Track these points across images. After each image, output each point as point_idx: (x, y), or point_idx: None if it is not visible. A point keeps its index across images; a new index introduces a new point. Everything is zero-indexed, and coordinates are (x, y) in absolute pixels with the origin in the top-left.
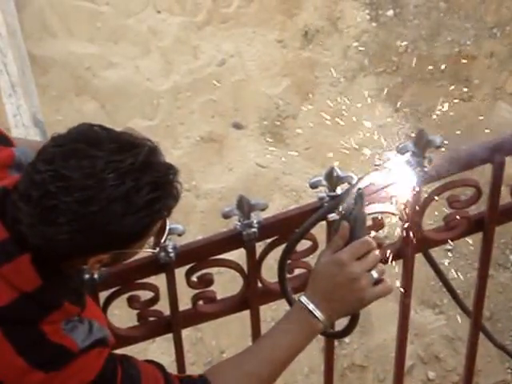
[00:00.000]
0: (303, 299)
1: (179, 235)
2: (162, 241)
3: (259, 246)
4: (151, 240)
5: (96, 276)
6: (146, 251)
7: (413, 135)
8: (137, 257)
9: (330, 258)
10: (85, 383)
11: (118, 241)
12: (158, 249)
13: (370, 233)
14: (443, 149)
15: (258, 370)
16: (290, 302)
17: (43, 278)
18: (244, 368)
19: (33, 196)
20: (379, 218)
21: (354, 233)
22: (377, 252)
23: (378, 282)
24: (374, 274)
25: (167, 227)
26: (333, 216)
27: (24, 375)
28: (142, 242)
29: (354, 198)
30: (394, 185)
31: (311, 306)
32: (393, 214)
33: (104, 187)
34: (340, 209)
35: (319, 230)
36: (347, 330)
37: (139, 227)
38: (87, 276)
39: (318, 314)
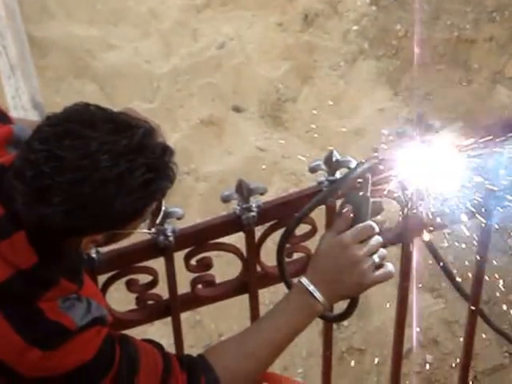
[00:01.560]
0: (304, 280)
1: (178, 219)
2: (157, 222)
3: (258, 230)
4: (147, 221)
5: (95, 255)
6: (140, 232)
7: (412, 119)
8: (132, 237)
9: (332, 240)
10: (83, 362)
11: (112, 222)
12: (153, 229)
13: (373, 217)
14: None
15: (258, 351)
16: (289, 286)
17: (39, 255)
18: (243, 348)
19: (27, 175)
20: (379, 202)
21: (358, 216)
22: (379, 236)
23: (379, 266)
24: (376, 258)
25: (162, 208)
26: (332, 200)
27: (22, 353)
28: (136, 222)
29: (359, 182)
30: (393, 169)
31: (311, 288)
32: (393, 198)
33: (98, 168)
34: (343, 192)
35: (318, 215)
36: (346, 314)
37: (133, 208)
38: (86, 256)
39: (317, 295)
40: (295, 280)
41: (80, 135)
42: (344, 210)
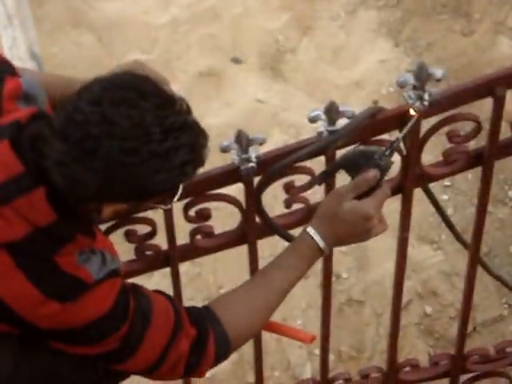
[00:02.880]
0: (322, 244)
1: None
2: (175, 199)
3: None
4: None
5: None
6: (158, 207)
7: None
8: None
9: (358, 209)
10: (100, 314)
11: (144, 194)
12: (170, 205)
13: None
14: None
15: (267, 303)
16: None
17: (57, 213)
18: (252, 301)
19: (71, 135)
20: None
21: (379, 181)
22: (388, 190)
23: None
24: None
25: (181, 187)
26: (332, 150)
27: (39, 306)
28: (159, 198)
29: (388, 150)
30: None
31: (326, 250)
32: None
33: (150, 141)
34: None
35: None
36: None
37: (168, 186)
38: None
39: (323, 246)
40: (292, 231)
41: (136, 105)
42: (369, 174)
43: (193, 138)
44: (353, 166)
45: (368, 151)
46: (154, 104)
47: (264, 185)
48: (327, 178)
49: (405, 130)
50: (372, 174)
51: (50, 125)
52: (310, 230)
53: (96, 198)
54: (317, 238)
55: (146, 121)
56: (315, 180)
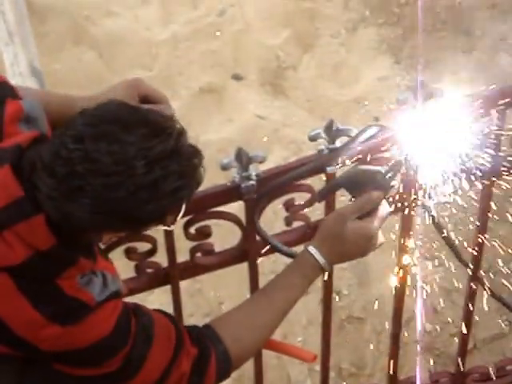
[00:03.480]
0: (324, 264)
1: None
2: (178, 219)
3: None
4: None
5: None
6: (160, 228)
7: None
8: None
9: (363, 229)
10: (102, 336)
11: (138, 223)
12: (172, 226)
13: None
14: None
15: (268, 322)
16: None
17: (57, 238)
18: (254, 320)
19: (58, 171)
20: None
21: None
22: (388, 207)
23: None
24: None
25: (183, 207)
26: (332, 168)
27: (41, 328)
28: (159, 224)
29: (391, 169)
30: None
31: (328, 269)
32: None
33: (133, 174)
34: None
35: (318, 184)
36: None
37: (161, 213)
38: None
39: (325, 266)
40: (294, 248)
41: (117, 139)
42: (375, 196)
43: (183, 164)
44: (354, 184)
45: (370, 171)
46: (138, 135)
47: (262, 203)
48: (327, 196)
49: (405, 155)
50: (376, 195)
51: (40, 157)
52: (312, 249)
53: (90, 229)
54: (318, 256)
55: (128, 155)
56: (315, 198)
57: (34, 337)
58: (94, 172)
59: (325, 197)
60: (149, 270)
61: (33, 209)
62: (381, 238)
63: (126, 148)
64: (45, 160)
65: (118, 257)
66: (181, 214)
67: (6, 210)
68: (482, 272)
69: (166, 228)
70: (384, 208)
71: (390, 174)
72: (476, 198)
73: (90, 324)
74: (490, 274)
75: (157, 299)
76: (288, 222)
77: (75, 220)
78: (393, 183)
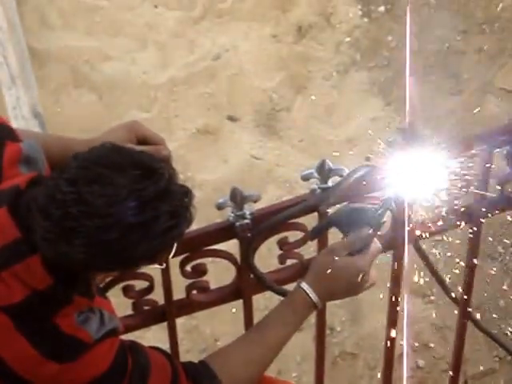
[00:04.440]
0: (316, 299)
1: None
2: (170, 257)
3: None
4: None
5: None
6: (153, 267)
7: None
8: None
9: (353, 265)
10: (99, 373)
11: (131, 263)
12: (164, 265)
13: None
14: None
15: (262, 358)
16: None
17: (54, 277)
18: (248, 356)
19: (52, 214)
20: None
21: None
22: (379, 245)
23: None
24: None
25: (174, 246)
26: (323, 208)
27: (38, 366)
28: (152, 262)
29: (382, 207)
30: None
31: (320, 305)
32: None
33: (125, 216)
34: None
35: (312, 222)
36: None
37: (153, 252)
38: None
39: (318, 302)
40: (287, 286)
41: (109, 182)
42: (365, 235)
43: (174, 204)
44: (345, 222)
45: (360, 209)
46: (130, 177)
47: (256, 242)
48: (320, 234)
49: (395, 192)
50: (366, 232)
51: (35, 200)
52: (304, 286)
53: (85, 269)
54: (311, 293)
55: (120, 197)
56: (308, 236)
57: (31, 374)
58: (87, 214)
59: (317, 235)
60: (146, 308)
61: (29, 250)
62: (373, 278)
63: (118, 190)
64: (39, 202)
65: (115, 294)
66: (172, 253)
67: (3, 251)
68: (472, 308)
69: (157, 267)
70: (375, 246)
71: (380, 211)
72: (466, 236)
73: (87, 361)
74: (479, 312)
75: (154, 336)
76: (282, 260)
77: (70, 260)
78: (383, 221)
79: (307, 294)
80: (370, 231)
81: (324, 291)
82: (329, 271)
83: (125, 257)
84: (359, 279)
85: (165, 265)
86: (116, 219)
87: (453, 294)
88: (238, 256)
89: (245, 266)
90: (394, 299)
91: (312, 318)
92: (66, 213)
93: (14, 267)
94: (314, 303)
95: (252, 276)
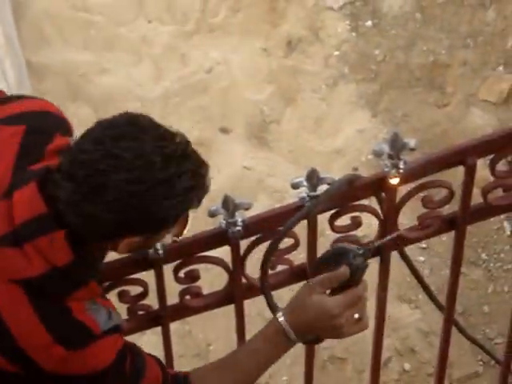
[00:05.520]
0: (287, 329)
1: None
2: (185, 232)
3: (244, 244)
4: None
5: None
6: (171, 239)
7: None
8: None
9: (323, 303)
10: (102, 366)
11: (154, 224)
12: (180, 238)
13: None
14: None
15: (235, 381)
16: (273, 309)
17: (75, 255)
18: (223, 376)
19: (78, 174)
20: (357, 216)
21: (351, 279)
22: (365, 300)
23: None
24: (356, 315)
25: (189, 219)
26: (313, 216)
27: (47, 348)
28: (169, 229)
29: (361, 249)
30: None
31: (292, 337)
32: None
33: (152, 168)
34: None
35: (302, 229)
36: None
37: (174, 213)
38: None
39: (293, 337)
40: (278, 291)
41: (135, 137)
42: (340, 270)
43: (194, 164)
44: (330, 261)
45: (344, 249)
46: (152, 136)
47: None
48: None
49: (384, 240)
50: (341, 271)
51: (58, 169)
52: (280, 317)
53: (111, 233)
54: (282, 322)
55: (146, 151)
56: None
57: (37, 353)
58: (116, 168)
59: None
60: (140, 312)
61: (54, 224)
62: (365, 324)
63: (143, 145)
64: (63, 168)
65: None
66: (187, 228)
67: (28, 224)
68: (457, 314)
69: (175, 239)
70: (351, 291)
71: (361, 252)
72: (450, 243)
73: (92, 351)
74: (462, 317)
75: (148, 340)
76: (272, 265)
77: (97, 223)
78: (364, 264)
79: (279, 322)
80: (347, 271)
81: (298, 324)
82: (302, 305)
83: (150, 214)
84: (331, 321)
85: (180, 238)
86: (143, 172)
87: (438, 301)
88: (229, 262)
89: (236, 271)
90: (380, 305)
91: None
92: (94, 170)
93: (37, 240)
94: (286, 332)
95: (244, 281)
